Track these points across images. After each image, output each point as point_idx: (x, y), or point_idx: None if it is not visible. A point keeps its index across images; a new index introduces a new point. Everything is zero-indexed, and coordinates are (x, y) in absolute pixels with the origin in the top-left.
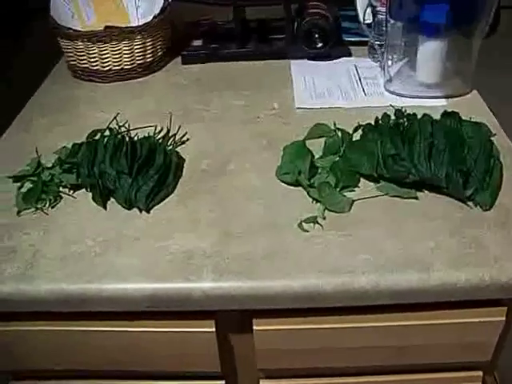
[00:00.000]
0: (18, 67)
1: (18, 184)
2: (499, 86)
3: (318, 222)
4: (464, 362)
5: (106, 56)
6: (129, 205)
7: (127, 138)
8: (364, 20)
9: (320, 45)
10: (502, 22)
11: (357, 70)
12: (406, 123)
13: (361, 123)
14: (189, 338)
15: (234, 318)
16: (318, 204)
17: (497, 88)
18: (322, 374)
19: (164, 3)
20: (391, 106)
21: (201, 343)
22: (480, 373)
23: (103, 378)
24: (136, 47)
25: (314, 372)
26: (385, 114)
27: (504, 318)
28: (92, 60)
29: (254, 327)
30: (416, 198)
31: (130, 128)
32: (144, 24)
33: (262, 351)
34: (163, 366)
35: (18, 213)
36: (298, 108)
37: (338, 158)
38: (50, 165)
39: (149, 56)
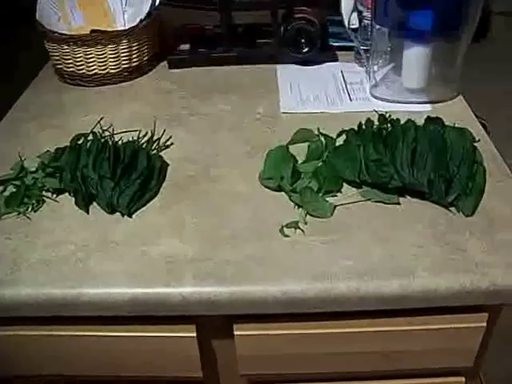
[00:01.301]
0: (4, 69)
1: (1, 188)
2: (487, 90)
3: (299, 227)
4: (446, 367)
5: (92, 60)
6: (111, 209)
7: (110, 143)
8: (349, 25)
9: (306, 49)
10: (495, 28)
11: (343, 74)
12: (389, 128)
13: (345, 128)
14: (170, 343)
15: (215, 323)
16: (300, 209)
17: (485, 93)
18: (305, 380)
19: (151, 8)
20: (375, 111)
21: (182, 348)
22: (462, 378)
23: (83, 382)
24: (122, 51)
25: (296, 378)
26: (368, 119)
27: (485, 324)
28: (78, 64)
29: (235, 332)
30: (398, 203)
31: (114, 132)
32: (130, 28)
33: (243, 356)
34: (144, 370)
35: (0, 217)
36: (284, 113)
37: (320, 163)
38: (33, 169)
39: (135, 60)
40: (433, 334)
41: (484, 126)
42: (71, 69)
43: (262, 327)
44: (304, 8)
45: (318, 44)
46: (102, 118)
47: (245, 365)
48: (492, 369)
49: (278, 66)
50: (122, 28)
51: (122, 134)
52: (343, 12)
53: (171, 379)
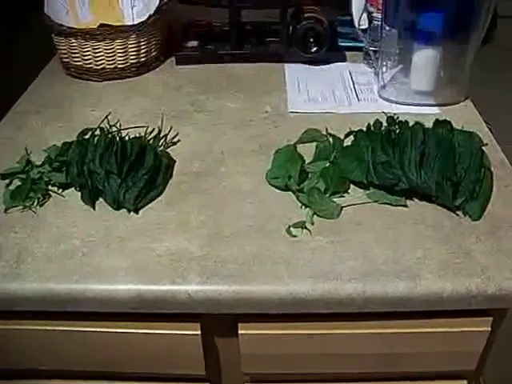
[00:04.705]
0: (12, 62)
1: (7, 181)
2: (493, 94)
3: (306, 227)
4: (449, 370)
5: (100, 54)
6: (117, 205)
7: (118, 138)
8: (359, 25)
9: (315, 49)
10: (500, 31)
11: (351, 75)
12: (397, 130)
13: (353, 129)
14: (174, 341)
15: (219, 322)
16: (307, 209)
17: (491, 96)
18: (307, 380)
19: (160, 3)
20: (383, 112)
21: (186, 346)
22: (464, 382)
23: (87, 378)
24: (130, 46)
25: (298, 378)
26: (377, 120)
27: (489, 328)
28: (85, 58)
29: (240, 331)
30: (405, 205)
31: (122, 128)
32: (139, 23)
33: (247, 355)
34: (148, 367)
35: (6, 210)
36: (291, 112)
37: (328, 164)
38: (39, 163)
39: (143, 55)
40: (437, 336)
41: (489, 130)
42: (79, 63)
43: (266, 327)
44: (313, 7)
45: (326, 44)
46: (109, 113)
47: (248, 363)
48: (491, 371)
49: (286, 65)
50: (131, 23)
51: (129, 130)
52: (353, 12)
53: (174, 376)
